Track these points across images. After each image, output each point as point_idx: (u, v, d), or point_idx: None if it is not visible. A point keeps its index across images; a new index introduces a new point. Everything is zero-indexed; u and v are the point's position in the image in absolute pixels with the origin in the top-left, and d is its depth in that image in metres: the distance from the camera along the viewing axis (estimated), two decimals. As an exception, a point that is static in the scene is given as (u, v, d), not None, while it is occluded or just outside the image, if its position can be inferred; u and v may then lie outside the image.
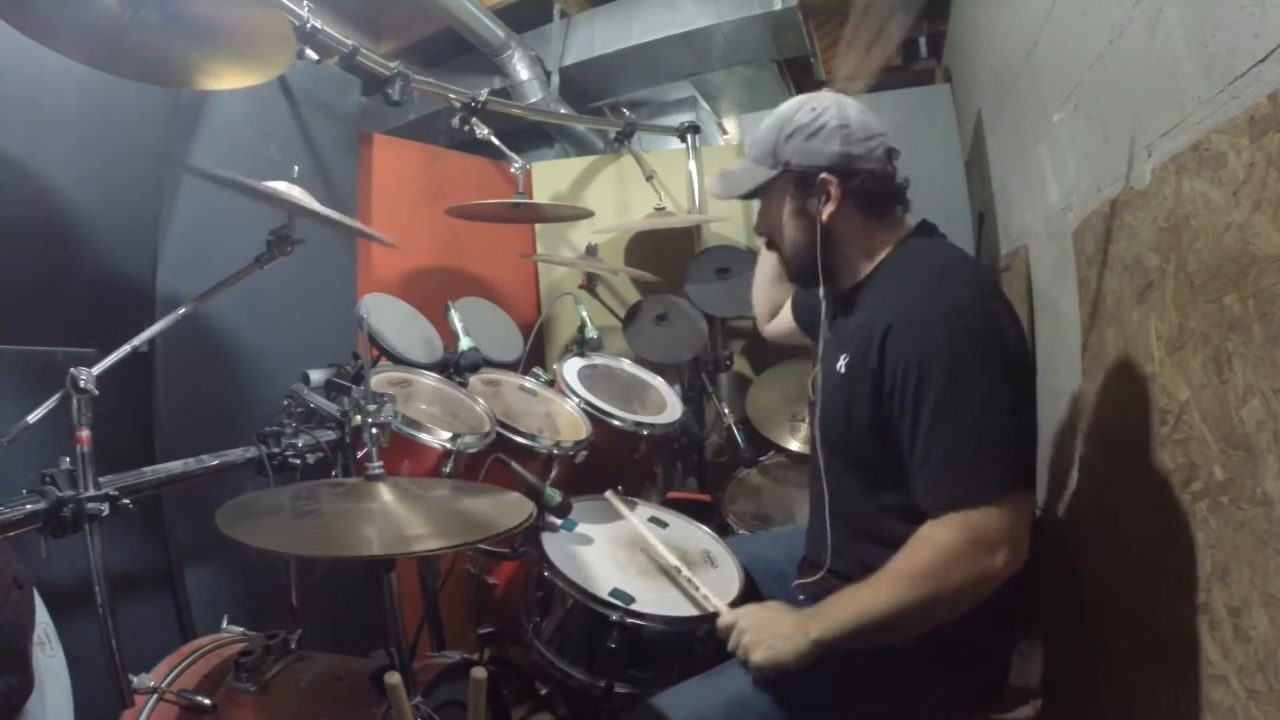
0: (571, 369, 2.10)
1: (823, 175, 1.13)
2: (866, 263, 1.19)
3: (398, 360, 1.77)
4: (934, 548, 1.00)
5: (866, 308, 1.14)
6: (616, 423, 1.92)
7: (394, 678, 0.90)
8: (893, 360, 1.05)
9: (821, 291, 1.22)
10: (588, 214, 2.55)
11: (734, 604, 1.23)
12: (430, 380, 1.77)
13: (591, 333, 2.33)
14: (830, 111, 1.14)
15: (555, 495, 1.39)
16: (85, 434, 1.00)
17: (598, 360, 2.25)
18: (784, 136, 1.15)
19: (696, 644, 1.25)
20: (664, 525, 1.54)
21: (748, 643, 1.07)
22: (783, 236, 1.22)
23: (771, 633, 1.07)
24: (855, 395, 1.10)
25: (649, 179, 2.81)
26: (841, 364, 1.14)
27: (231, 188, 1.53)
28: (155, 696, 1.11)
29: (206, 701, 1.10)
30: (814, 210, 1.16)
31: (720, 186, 1.25)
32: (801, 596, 1.25)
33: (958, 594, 0.99)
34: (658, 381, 2.25)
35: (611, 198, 2.98)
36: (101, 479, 1.03)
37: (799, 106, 1.16)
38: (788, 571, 1.33)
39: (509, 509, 1.08)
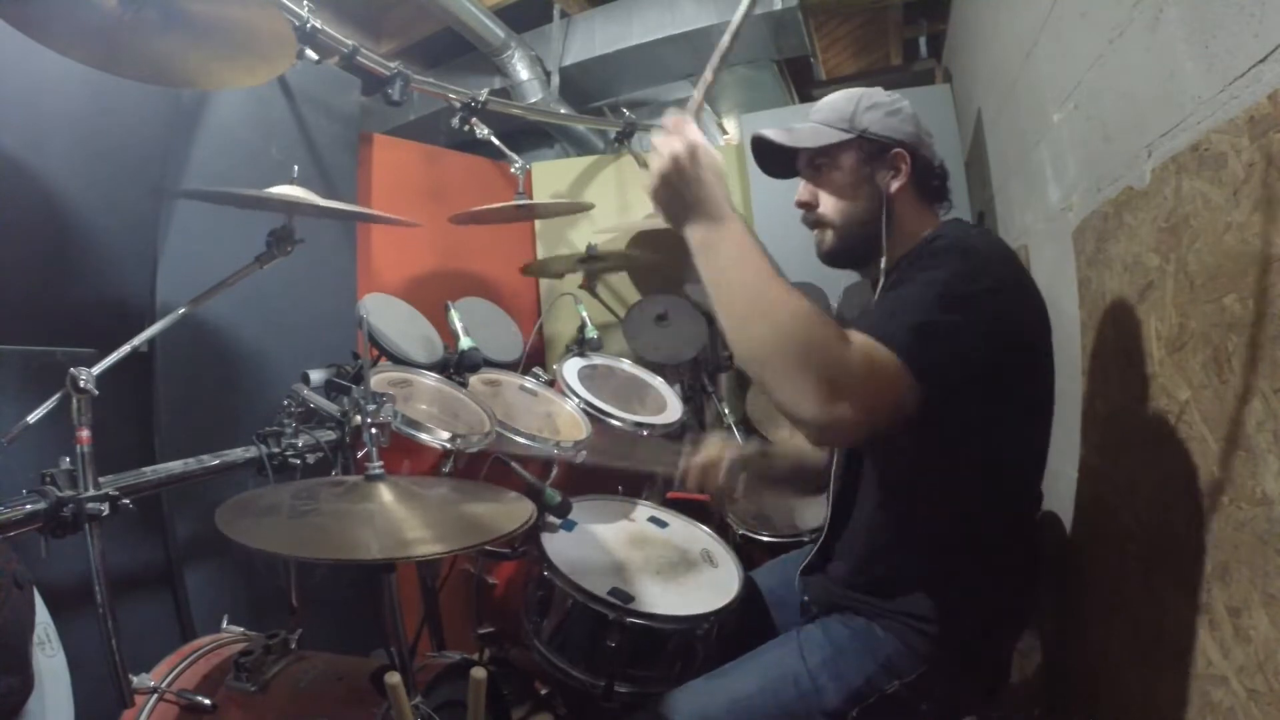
0: (571, 369, 2.10)
1: (897, 149, 1.15)
2: (906, 245, 1.17)
3: (398, 360, 1.77)
4: (840, 343, 0.86)
5: (905, 274, 1.08)
6: (616, 423, 1.91)
7: (394, 678, 0.90)
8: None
9: (883, 263, 1.16)
10: (588, 206, 2.55)
11: (732, 603, 1.23)
12: (430, 380, 1.77)
13: (591, 333, 2.33)
14: (905, 101, 1.18)
15: (555, 495, 1.39)
16: (85, 434, 1.00)
17: (598, 360, 2.24)
18: (863, 107, 1.16)
19: (696, 643, 1.25)
20: (664, 525, 1.54)
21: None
22: (838, 205, 1.17)
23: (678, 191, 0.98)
24: None
25: (649, 179, 2.81)
26: None
27: (227, 203, 1.54)
28: (155, 696, 1.11)
29: (206, 701, 1.10)
30: (882, 182, 1.15)
31: (783, 135, 1.18)
32: (805, 598, 1.25)
33: (797, 365, 0.84)
34: (658, 381, 2.25)
35: (611, 198, 2.97)
36: (101, 479, 1.03)
37: (873, 89, 1.19)
38: (786, 597, 1.33)
39: (509, 510, 1.08)
